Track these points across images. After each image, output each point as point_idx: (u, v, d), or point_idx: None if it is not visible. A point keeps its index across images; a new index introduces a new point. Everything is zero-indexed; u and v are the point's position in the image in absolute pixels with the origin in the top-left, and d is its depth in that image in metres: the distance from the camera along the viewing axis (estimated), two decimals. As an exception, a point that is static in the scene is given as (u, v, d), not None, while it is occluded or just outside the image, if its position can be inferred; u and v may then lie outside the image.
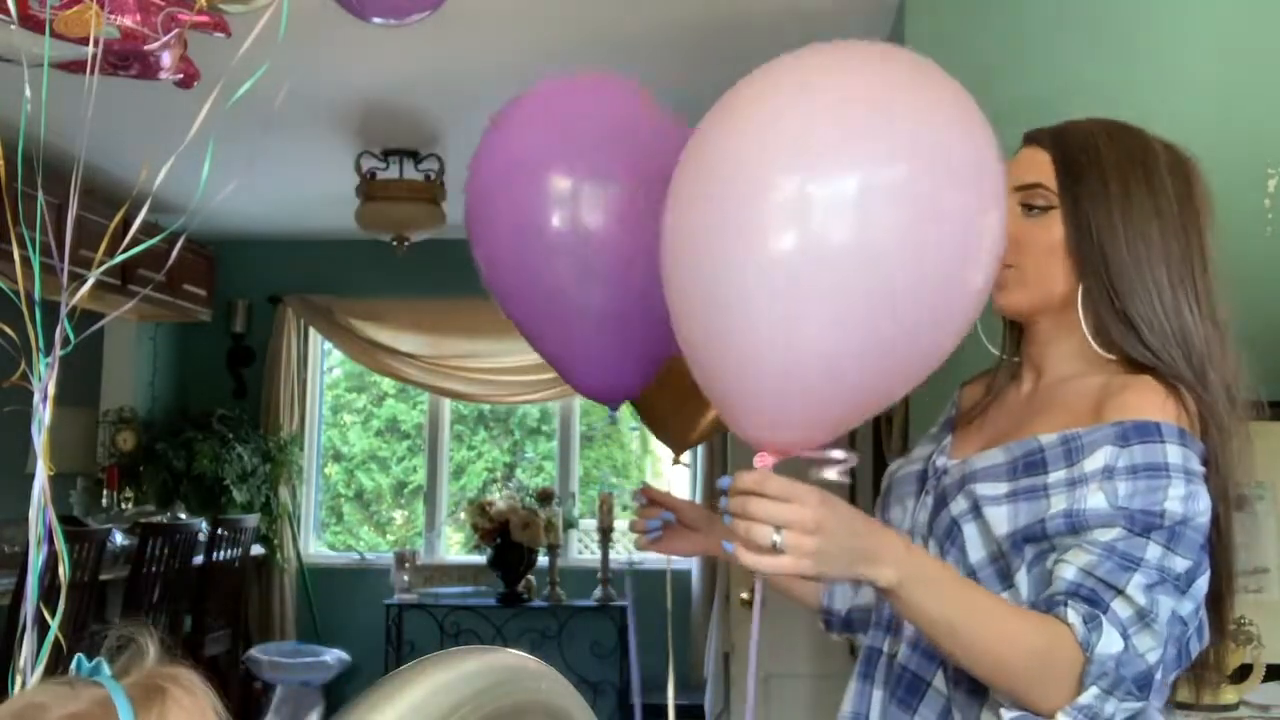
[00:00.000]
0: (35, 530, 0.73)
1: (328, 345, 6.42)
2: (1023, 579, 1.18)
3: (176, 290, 5.50)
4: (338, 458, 6.68)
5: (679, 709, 1.19)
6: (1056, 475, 1.17)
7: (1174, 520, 1.12)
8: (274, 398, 6.09)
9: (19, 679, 0.69)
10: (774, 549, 1.04)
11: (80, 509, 5.53)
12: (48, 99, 0.96)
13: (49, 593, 0.73)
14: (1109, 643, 1.08)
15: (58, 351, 0.74)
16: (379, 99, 3.98)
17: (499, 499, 5.52)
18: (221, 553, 5.06)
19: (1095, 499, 1.13)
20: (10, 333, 0.73)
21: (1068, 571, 1.12)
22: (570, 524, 5.93)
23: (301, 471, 6.20)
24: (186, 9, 1.23)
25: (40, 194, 0.81)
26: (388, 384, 6.60)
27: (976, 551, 1.21)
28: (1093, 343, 1.25)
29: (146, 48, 1.21)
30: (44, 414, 0.74)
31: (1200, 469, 1.18)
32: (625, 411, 2.45)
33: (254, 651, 5.40)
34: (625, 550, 5.90)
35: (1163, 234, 1.24)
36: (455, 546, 6.33)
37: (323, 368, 6.52)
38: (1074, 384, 1.26)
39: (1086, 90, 2.58)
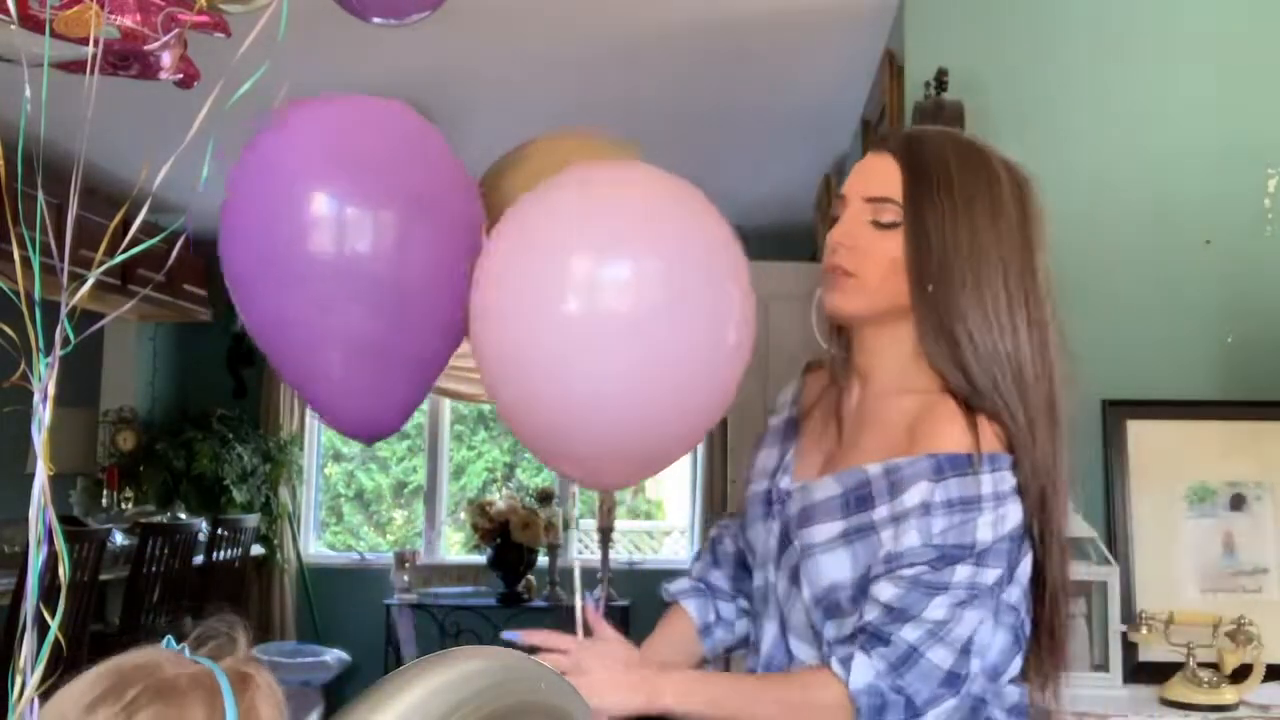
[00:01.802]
0: (35, 530, 0.73)
1: (328, 345, 6.41)
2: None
3: (176, 290, 5.49)
4: (338, 458, 6.68)
5: (679, 709, 1.28)
6: (881, 512, 1.23)
7: (983, 547, 1.20)
8: (274, 398, 6.09)
9: (19, 679, 0.69)
10: None
11: (80, 509, 5.52)
12: (48, 99, 0.96)
13: (49, 593, 0.73)
14: (860, 674, 1.18)
15: (58, 351, 0.74)
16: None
17: (499, 499, 5.52)
18: (221, 553, 5.06)
19: (909, 538, 1.21)
20: (10, 333, 0.73)
21: (869, 611, 1.22)
22: (570, 524, 5.92)
23: (301, 471, 6.20)
24: (186, 9, 1.23)
25: (40, 194, 0.81)
26: (388, 384, 6.59)
27: (815, 588, 1.29)
28: (920, 360, 1.28)
29: (146, 48, 1.21)
30: (44, 414, 0.74)
31: (1010, 484, 1.23)
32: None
33: (254, 651, 5.39)
34: (625, 550, 5.90)
35: (1001, 257, 1.26)
36: (455, 546, 6.33)
37: (323, 368, 6.51)
38: (894, 400, 1.29)
39: (1085, 91, 2.58)
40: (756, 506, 1.41)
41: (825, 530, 1.27)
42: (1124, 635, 2.29)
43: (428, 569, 5.84)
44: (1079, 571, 2.35)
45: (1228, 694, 2.15)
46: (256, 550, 5.66)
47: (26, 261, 0.77)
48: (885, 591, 1.21)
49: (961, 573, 1.19)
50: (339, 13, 1.61)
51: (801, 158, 4.38)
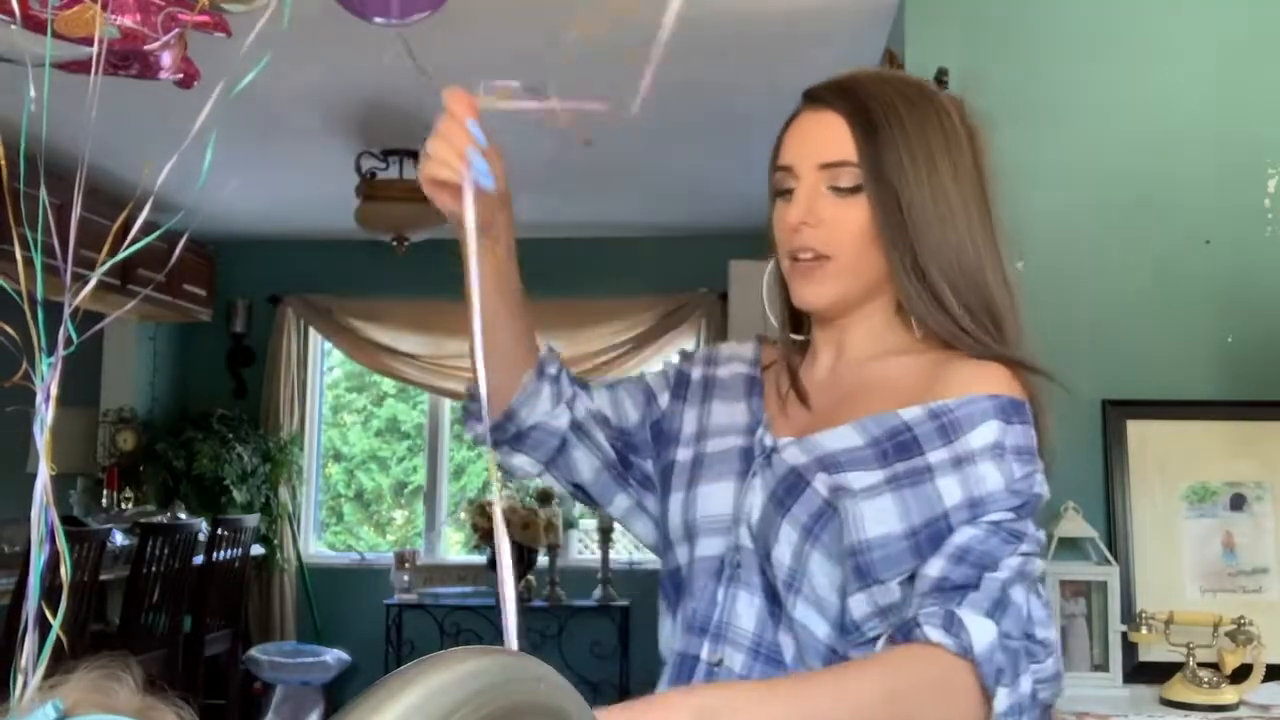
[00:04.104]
0: (37, 530, 0.73)
1: (328, 345, 6.42)
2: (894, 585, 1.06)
3: (176, 290, 5.50)
4: (338, 458, 6.68)
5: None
6: (938, 455, 1.07)
7: (1041, 502, 1.09)
8: (274, 398, 6.10)
9: (20, 679, 0.69)
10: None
11: (80, 509, 5.53)
12: (49, 99, 0.96)
13: (49, 593, 0.73)
14: (981, 633, 0.97)
15: (60, 351, 0.74)
16: (379, 99, 3.98)
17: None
18: (221, 553, 5.07)
19: (993, 480, 1.05)
20: (12, 334, 0.73)
21: (936, 564, 1.02)
22: (570, 524, 5.93)
23: (301, 471, 6.20)
24: (186, 9, 1.23)
25: (43, 194, 0.81)
26: (388, 384, 6.60)
27: (853, 538, 1.07)
28: (915, 326, 1.17)
29: (146, 48, 1.21)
30: (46, 414, 0.74)
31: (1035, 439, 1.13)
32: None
33: (254, 651, 5.40)
34: (625, 550, 5.90)
35: (964, 202, 1.15)
36: (455, 546, 6.33)
37: (323, 368, 6.52)
38: (889, 362, 1.17)
39: (1085, 91, 2.58)
40: (726, 463, 1.19)
41: (863, 478, 1.08)
42: (1124, 635, 2.29)
43: (428, 569, 5.84)
44: (1079, 571, 2.36)
45: (1228, 694, 2.15)
46: (256, 550, 5.67)
47: (28, 262, 0.77)
48: (964, 535, 1.03)
49: (1031, 526, 1.06)
50: (339, 12, 1.61)
51: (801, 158, 4.38)
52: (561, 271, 5.80)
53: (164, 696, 0.71)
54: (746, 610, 1.14)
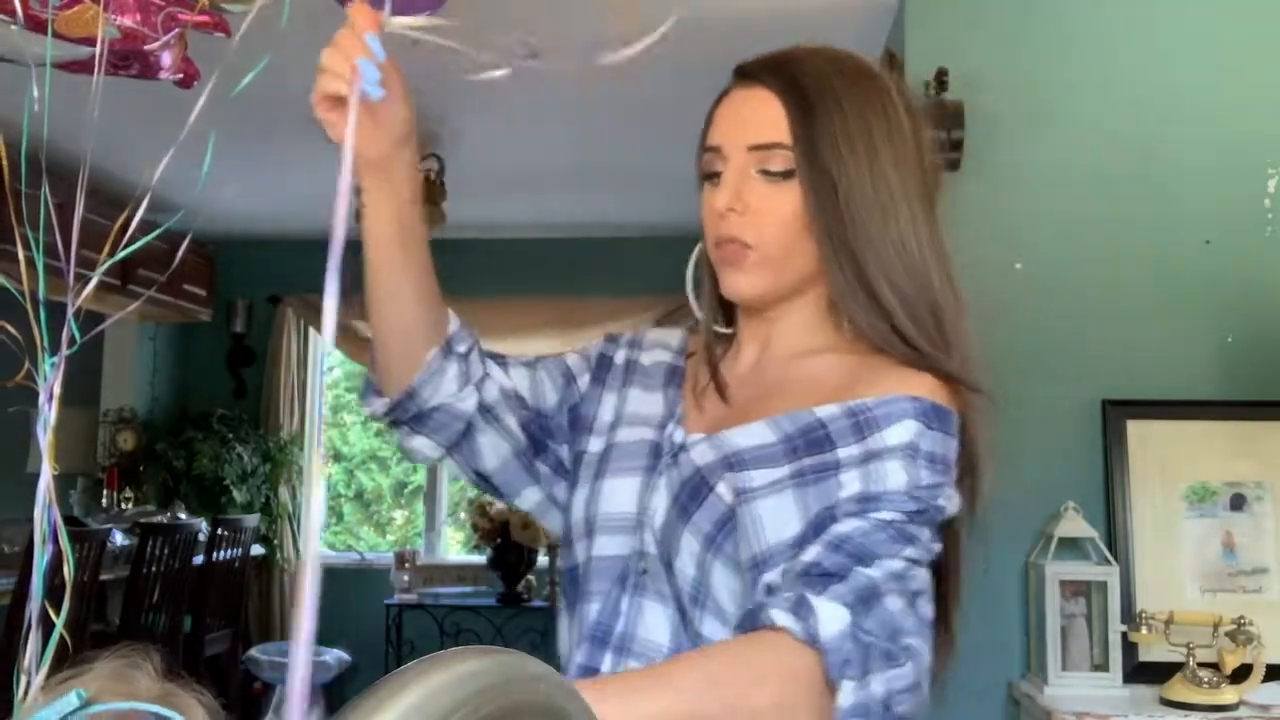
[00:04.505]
0: (40, 529, 0.73)
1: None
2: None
3: (176, 290, 5.50)
4: (338, 458, 6.69)
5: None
6: (848, 451, 1.00)
7: (942, 516, 1.01)
8: (274, 398, 6.10)
9: (24, 679, 0.69)
10: None
11: (80, 509, 5.53)
12: (50, 99, 0.96)
13: (50, 593, 0.73)
14: (830, 620, 0.89)
15: (64, 351, 0.74)
16: (379, 99, 3.98)
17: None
18: (221, 553, 5.07)
19: (896, 480, 0.98)
20: (15, 334, 0.74)
21: (813, 550, 0.95)
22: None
23: (301, 472, 6.20)
24: (187, 9, 1.23)
25: (45, 194, 0.81)
26: (388, 384, 6.61)
27: (754, 549, 1.01)
28: (825, 318, 1.11)
29: (146, 48, 1.21)
30: (49, 414, 0.74)
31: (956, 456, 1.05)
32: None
33: (254, 651, 5.40)
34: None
35: (906, 192, 1.06)
36: (455, 546, 6.33)
37: (323, 368, 6.52)
38: (815, 360, 1.10)
39: (1085, 90, 2.58)
40: (634, 458, 1.12)
41: (768, 474, 1.01)
42: (1124, 635, 2.29)
43: (428, 569, 5.84)
44: (1079, 571, 2.36)
45: (1228, 694, 2.15)
46: (256, 550, 5.67)
47: (30, 262, 0.77)
48: (846, 525, 0.96)
49: (926, 534, 0.98)
50: (339, 13, 1.61)
51: (801, 158, 4.38)
52: (561, 271, 5.80)
53: (184, 684, 0.72)
54: (658, 622, 1.06)
